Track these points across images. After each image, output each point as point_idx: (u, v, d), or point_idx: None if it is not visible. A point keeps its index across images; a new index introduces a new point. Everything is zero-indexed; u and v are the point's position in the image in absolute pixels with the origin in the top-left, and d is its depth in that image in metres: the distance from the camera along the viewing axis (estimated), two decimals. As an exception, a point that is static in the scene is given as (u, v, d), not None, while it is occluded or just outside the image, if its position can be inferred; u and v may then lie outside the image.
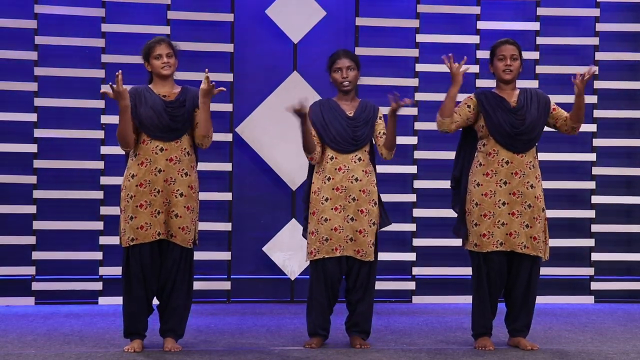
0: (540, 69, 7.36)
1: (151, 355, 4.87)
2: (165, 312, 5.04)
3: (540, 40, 7.38)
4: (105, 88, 4.82)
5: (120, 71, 4.82)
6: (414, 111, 7.20)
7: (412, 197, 7.26)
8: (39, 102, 6.95)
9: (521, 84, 7.15)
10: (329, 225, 5.09)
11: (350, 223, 5.10)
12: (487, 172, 5.09)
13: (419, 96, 7.21)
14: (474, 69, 7.26)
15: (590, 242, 7.37)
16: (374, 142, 5.27)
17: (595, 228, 7.37)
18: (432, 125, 7.33)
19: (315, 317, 5.18)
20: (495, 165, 5.07)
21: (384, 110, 5.21)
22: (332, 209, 5.10)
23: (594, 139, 7.38)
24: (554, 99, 7.25)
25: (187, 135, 5.02)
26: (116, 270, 6.91)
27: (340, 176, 5.12)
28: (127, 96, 4.84)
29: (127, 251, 4.94)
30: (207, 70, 4.94)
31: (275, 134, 7.16)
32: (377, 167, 7.07)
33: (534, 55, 7.35)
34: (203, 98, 4.93)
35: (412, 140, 7.20)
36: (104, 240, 6.95)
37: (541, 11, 7.40)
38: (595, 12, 7.41)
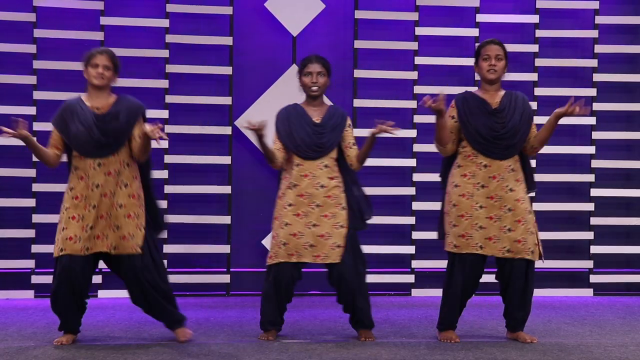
0: (539, 62, 7.35)
1: (151, 349, 4.88)
2: (154, 313, 5.09)
3: (539, 33, 7.37)
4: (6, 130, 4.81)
5: (19, 120, 4.81)
6: (413, 104, 7.20)
7: (411, 190, 7.26)
8: (37, 95, 6.95)
9: (520, 77, 7.21)
10: (288, 230, 5.09)
11: (311, 229, 5.08)
12: (464, 174, 5.06)
13: (418, 89, 7.20)
14: (474, 62, 7.24)
15: (590, 235, 7.37)
16: (342, 148, 5.23)
17: (594, 221, 7.37)
18: (431, 119, 7.32)
19: (266, 310, 5.18)
20: (473, 168, 5.05)
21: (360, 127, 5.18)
22: (294, 214, 5.10)
23: (593, 132, 7.38)
24: (553, 91, 7.34)
25: (125, 146, 4.94)
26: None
27: (305, 183, 5.11)
28: (31, 137, 4.86)
29: (56, 261, 4.93)
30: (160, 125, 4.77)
31: (274, 127, 7.13)
32: (376, 160, 7.13)
33: (533, 48, 7.34)
34: (146, 129, 4.75)
35: (412, 133, 7.20)
36: (103, 233, 6.95)
37: (540, 4, 7.39)
38: (594, 4, 7.40)
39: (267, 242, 7.16)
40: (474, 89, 7.09)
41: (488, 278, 5.37)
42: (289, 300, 5.24)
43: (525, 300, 5.12)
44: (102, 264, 6.94)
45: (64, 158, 5.05)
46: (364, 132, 7.09)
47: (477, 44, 7.25)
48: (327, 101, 5.36)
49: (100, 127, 4.87)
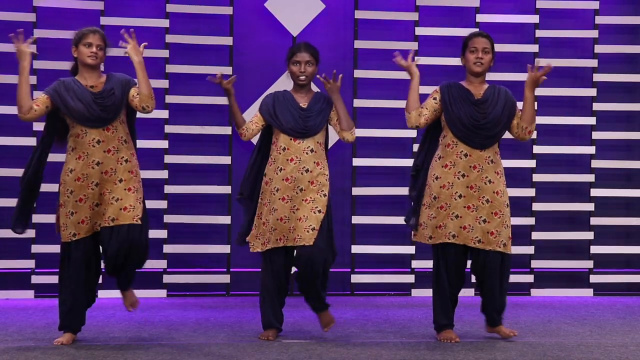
0: (539, 62, 7.33)
1: (151, 349, 4.88)
2: (121, 275, 5.06)
3: (539, 33, 7.36)
4: (14, 39, 4.86)
5: (21, 30, 4.87)
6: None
7: (411, 190, 7.25)
8: (37, 95, 6.92)
9: (520, 77, 7.20)
10: (276, 216, 5.13)
11: (295, 213, 5.12)
12: (445, 164, 5.08)
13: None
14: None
15: (589, 235, 7.37)
16: (326, 136, 5.31)
17: (594, 221, 7.37)
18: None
19: (266, 310, 5.22)
20: (454, 157, 5.07)
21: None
22: (279, 199, 5.14)
23: (593, 132, 7.37)
24: (553, 91, 7.34)
25: (122, 123, 5.01)
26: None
27: (291, 167, 5.15)
28: (28, 57, 4.90)
29: (68, 246, 4.94)
30: (132, 30, 5.02)
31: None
32: (376, 160, 7.13)
33: (533, 48, 7.34)
34: (135, 57, 4.96)
35: (412, 133, 7.19)
36: (103, 233, 6.94)
37: (540, 4, 7.38)
38: (594, 4, 7.40)
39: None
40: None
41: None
42: (286, 291, 5.26)
43: (501, 293, 5.13)
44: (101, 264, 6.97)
45: (52, 152, 5.11)
46: (364, 132, 7.14)
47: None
48: (315, 88, 5.46)
49: (99, 103, 4.93)
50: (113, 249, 4.91)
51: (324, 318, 5.28)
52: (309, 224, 5.10)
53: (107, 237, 4.93)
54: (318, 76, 5.23)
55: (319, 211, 5.13)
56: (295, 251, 5.18)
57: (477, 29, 5.24)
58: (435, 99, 5.17)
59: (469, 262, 5.21)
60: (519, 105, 5.20)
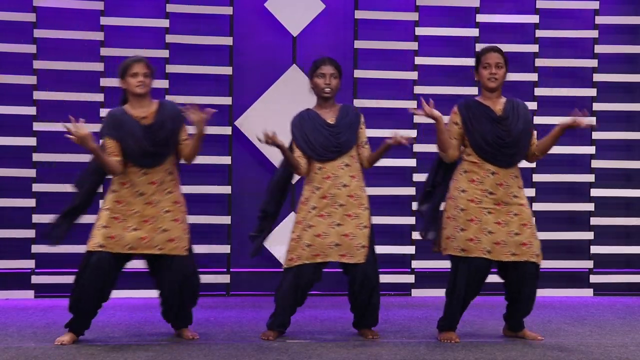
0: (539, 62, 7.35)
1: (151, 349, 4.88)
2: (172, 313, 5.15)
3: (539, 33, 7.37)
4: (68, 127, 4.77)
5: (81, 119, 4.82)
6: (413, 104, 7.19)
7: (411, 191, 7.26)
8: (38, 95, 6.95)
9: (520, 77, 7.21)
10: (312, 232, 5.11)
11: (335, 229, 5.11)
12: (472, 179, 5.06)
13: (418, 89, 7.19)
14: (473, 62, 7.23)
15: (590, 235, 7.37)
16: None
17: (594, 221, 7.37)
18: (430, 119, 7.35)
19: (277, 317, 5.23)
20: (481, 174, 5.05)
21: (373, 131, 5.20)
22: (317, 216, 5.12)
23: (593, 132, 7.37)
24: (553, 91, 7.34)
25: (170, 155, 5.05)
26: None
27: (328, 184, 5.14)
28: (89, 140, 4.77)
29: (89, 255, 4.96)
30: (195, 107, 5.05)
31: (274, 127, 7.07)
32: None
33: (533, 48, 7.34)
34: (199, 126, 5.01)
35: (412, 133, 7.19)
36: (103, 233, 6.94)
37: (540, 4, 7.39)
38: (594, 4, 7.40)
39: (267, 242, 7.15)
40: (473, 89, 7.15)
41: (488, 278, 5.36)
42: (302, 303, 5.27)
43: (533, 301, 5.18)
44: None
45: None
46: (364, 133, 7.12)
47: (476, 44, 7.28)
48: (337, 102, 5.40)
49: (149, 138, 4.93)
50: (166, 281, 5.02)
51: (372, 333, 5.28)
52: (358, 242, 5.11)
53: (155, 264, 5.04)
54: (393, 135, 5.11)
55: (365, 227, 5.15)
56: (344, 269, 5.20)
57: (490, 45, 5.18)
58: (457, 123, 5.09)
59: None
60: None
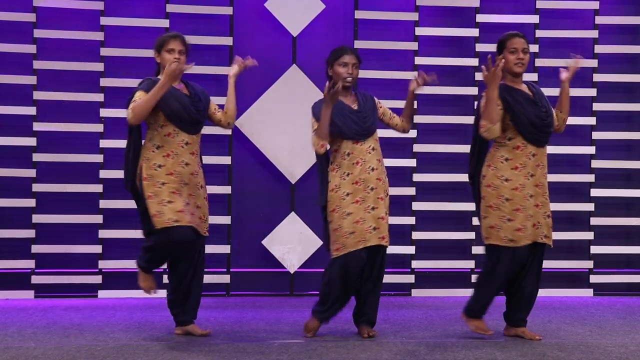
0: (539, 62, 7.35)
1: (151, 349, 4.88)
2: (187, 303, 5.22)
3: (539, 33, 7.37)
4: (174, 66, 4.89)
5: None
6: (413, 104, 7.18)
7: (411, 191, 7.26)
8: (38, 95, 6.95)
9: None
10: (351, 219, 5.14)
11: (371, 213, 5.16)
12: (515, 166, 5.08)
13: (418, 89, 7.17)
14: (474, 62, 7.26)
15: (590, 235, 7.37)
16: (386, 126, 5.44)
17: (594, 221, 7.37)
18: (431, 119, 7.35)
19: (329, 307, 5.23)
20: (523, 159, 5.08)
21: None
22: (352, 202, 5.15)
23: (593, 132, 7.37)
24: (553, 91, 7.29)
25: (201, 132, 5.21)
26: (115, 264, 6.93)
27: (358, 169, 5.18)
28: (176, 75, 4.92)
29: (165, 232, 4.94)
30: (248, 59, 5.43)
31: (274, 127, 7.16)
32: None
33: (534, 48, 7.32)
34: (233, 80, 5.33)
35: (412, 133, 7.20)
36: (103, 233, 6.95)
37: (540, 4, 7.39)
38: (594, 4, 7.40)
39: (267, 242, 7.17)
40: (473, 89, 7.15)
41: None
42: (355, 290, 5.27)
43: (537, 285, 5.21)
44: (101, 265, 6.97)
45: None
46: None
47: (476, 44, 7.28)
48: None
49: (195, 106, 5.07)
50: (189, 255, 5.15)
51: (368, 330, 5.30)
52: (387, 225, 5.23)
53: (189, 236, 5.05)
54: (416, 75, 5.29)
55: (387, 213, 5.25)
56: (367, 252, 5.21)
57: (514, 31, 5.20)
58: (498, 105, 5.05)
59: None
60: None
